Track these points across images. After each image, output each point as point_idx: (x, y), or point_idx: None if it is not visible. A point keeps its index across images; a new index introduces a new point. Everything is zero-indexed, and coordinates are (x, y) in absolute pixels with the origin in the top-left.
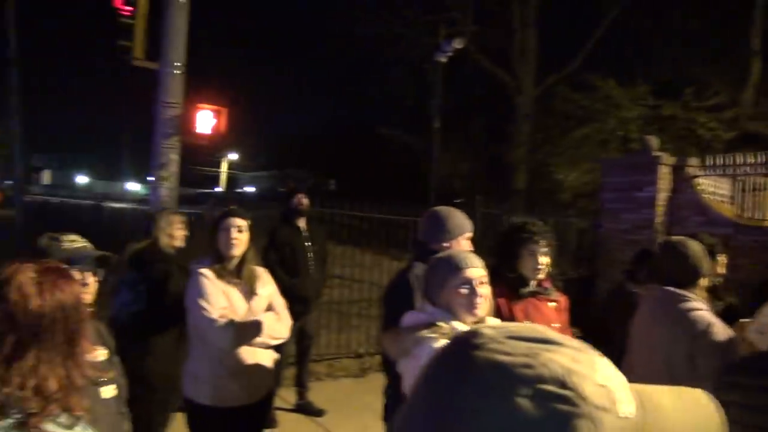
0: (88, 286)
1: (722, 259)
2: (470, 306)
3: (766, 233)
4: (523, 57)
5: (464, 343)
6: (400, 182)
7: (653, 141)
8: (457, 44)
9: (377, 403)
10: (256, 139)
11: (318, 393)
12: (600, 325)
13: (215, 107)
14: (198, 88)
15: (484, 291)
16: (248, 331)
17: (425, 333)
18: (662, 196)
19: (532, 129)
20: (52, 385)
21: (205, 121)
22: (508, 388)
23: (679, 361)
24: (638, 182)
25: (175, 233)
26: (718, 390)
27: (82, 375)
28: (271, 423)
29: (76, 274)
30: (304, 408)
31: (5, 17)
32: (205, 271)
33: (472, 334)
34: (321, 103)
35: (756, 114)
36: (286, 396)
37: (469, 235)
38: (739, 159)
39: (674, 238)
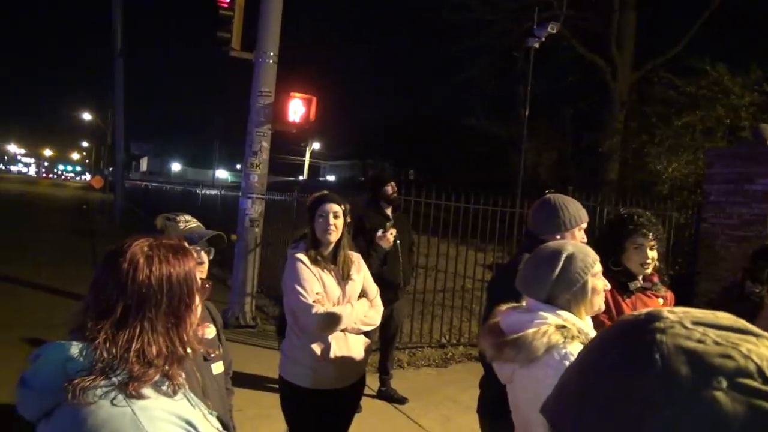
0: (203, 264)
1: None
2: (600, 303)
3: None
4: (621, 41)
5: (644, 326)
6: (482, 171)
7: (767, 129)
8: (552, 29)
9: (459, 395)
10: (338, 128)
11: (399, 381)
12: None
13: (305, 96)
14: (285, 77)
15: None
16: (335, 319)
17: (555, 336)
18: None
19: (626, 117)
20: (154, 352)
21: (296, 109)
22: (702, 379)
23: None
24: (749, 174)
25: None
26: None
27: (185, 347)
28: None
29: (194, 253)
30: (388, 395)
31: (113, 16)
32: (301, 256)
33: (653, 317)
34: (402, 92)
35: None
36: (369, 382)
37: (585, 225)
38: None
39: None
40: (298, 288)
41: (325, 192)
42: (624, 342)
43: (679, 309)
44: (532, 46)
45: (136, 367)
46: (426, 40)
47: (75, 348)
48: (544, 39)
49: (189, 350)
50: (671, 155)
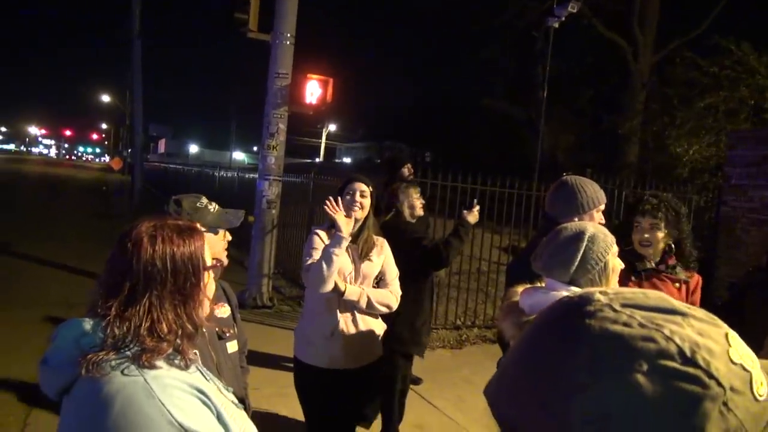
0: (226, 244)
1: None
2: (616, 282)
3: None
4: (643, 20)
5: (575, 310)
6: (499, 154)
7: None
8: (572, 8)
9: (473, 376)
10: (354, 110)
11: (414, 362)
12: (728, 313)
13: (323, 77)
14: (302, 59)
15: None
16: (325, 263)
17: None
18: None
19: (646, 98)
20: (165, 328)
21: (313, 91)
22: (624, 363)
23: None
24: None
25: (415, 204)
26: None
27: (195, 324)
28: None
29: (221, 235)
30: None
31: None
32: (320, 231)
33: (584, 300)
34: (419, 73)
35: None
36: None
37: (603, 207)
38: None
39: None
40: (306, 257)
41: (355, 174)
42: (557, 325)
43: (611, 290)
44: (551, 26)
45: (148, 340)
46: (445, 19)
47: (88, 324)
48: (564, 18)
49: (199, 327)
50: (692, 137)
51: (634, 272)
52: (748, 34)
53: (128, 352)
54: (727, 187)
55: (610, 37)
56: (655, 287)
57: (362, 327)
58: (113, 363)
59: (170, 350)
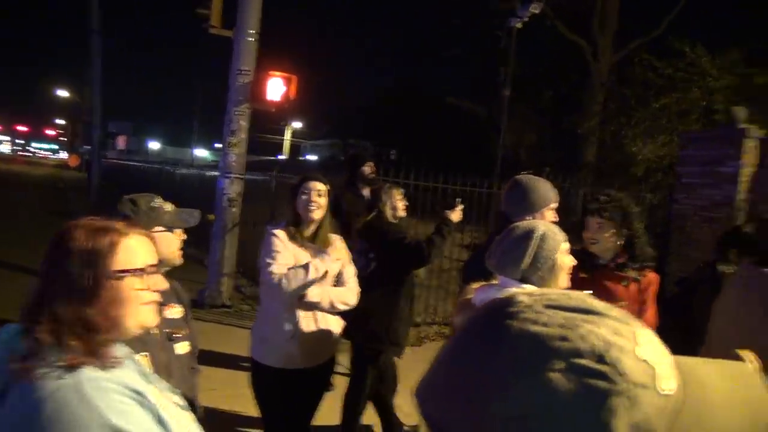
0: (181, 243)
1: None
2: (565, 279)
3: None
4: (604, 21)
5: (498, 312)
6: (464, 152)
7: (741, 112)
8: (534, 9)
9: None
10: (320, 107)
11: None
12: (679, 308)
13: (286, 75)
14: (267, 56)
15: None
16: (299, 274)
17: None
18: (746, 172)
19: (605, 99)
20: (71, 330)
21: (276, 88)
22: (541, 361)
23: None
24: (721, 156)
25: (397, 205)
26: None
27: (106, 327)
28: (329, 386)
29: (177, 234)
30: None
31: None
32: (277, 231)
33: (508, 302)
34: (383, 72)
35: None
36: (343, 360)
37: (555, 205)
38: None
39: None
40: (268, 260)
41: (311, 172)
42: (482, 326)
43: (538, 291)
44: (514, 26)
45: (67, 342)
46: (410, 18)
47: (15, 330)
48: (527, 18)
49: (115, 330)
50: (647, 137)
51: (584, 269)
52: (703, 36)
53: (55, 356)
54: (678, 186)
55: (571, 38)
56: (603, 286)
57: (322, 326)
58: (43, 367)
59: (93, 353)
